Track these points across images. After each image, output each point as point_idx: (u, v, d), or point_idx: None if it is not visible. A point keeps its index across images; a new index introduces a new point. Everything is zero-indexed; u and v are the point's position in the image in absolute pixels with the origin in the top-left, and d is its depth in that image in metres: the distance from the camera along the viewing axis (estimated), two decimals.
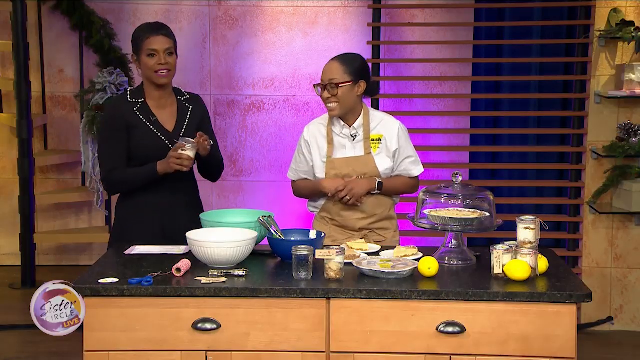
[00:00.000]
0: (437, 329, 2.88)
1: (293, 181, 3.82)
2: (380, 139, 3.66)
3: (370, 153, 3.64)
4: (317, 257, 2.98)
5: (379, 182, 3.63)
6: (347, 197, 3.58)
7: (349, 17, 6.31)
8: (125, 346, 2.91)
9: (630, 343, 5.24)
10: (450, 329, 2.88)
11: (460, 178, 3.32)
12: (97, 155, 5.84)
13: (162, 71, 3.59)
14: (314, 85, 3.65)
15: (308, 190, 3.76)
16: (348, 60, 3.62)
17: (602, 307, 5.43)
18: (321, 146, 3.68)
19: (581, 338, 3.83)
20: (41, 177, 6.58)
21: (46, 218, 6.62)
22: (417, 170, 3.75)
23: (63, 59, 6.51)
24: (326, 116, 3.71)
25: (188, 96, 3.76)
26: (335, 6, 6.32)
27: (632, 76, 5.15)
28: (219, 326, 2.90)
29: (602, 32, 5.23)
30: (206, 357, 2.92)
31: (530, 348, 2.88)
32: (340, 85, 3.55)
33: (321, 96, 3.61)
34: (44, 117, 6.49)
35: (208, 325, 2.90)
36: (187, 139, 3.50)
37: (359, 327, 2.89)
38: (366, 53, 5.85)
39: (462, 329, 2.88)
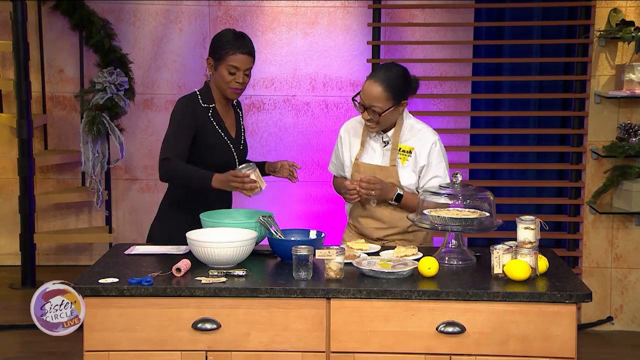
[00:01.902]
0: (437, 329, 2.88)
1: (334, 177, 3.80)
2: (410, 152, 3.52)
3: (395, 165, 3.52)
4: (317, 257, 2.97)
5: (398, 193, 3.50)
6: (373, 193, 3.44)
7: (349, 17, 6.31)
8: (125, 346, 2.92)
9: (630, 343, 5.24)
10: (450, 329, 2.88)
11: (460, 178, 3.32)
12: (96, 155, 5.88)
13: (237, 87, 3.55)
14: (353, 99, 3.49)
15: (338, 188, 3.73)
16: (391, 83, 3.43)
17: (602, 307, 5.43)
18: (353, 145, 3.63)
19: (581, 338, 3.84)
20: (41, 177, 6.58)
21: (46, 218, 6.62)
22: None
23: (63, 59, 6.51)
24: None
25: (235, 101, 3.77)
26: (335, 6, 6.32)
27: (632, 76, 5.15)
28: (219, 326, 2.90)
29: (602, 32, 5.23)
30: (206, 357, 2.92)
31: (530, 348, 2.88)
32: (382, 114, 3.44)
33: (361, 114, 3.50)
34: (44, 117, 6.49)
35: (208, 325, 2.90)
36: (252, 164, 3.46)
37: (359, 327, 2.89)
38: (366, 53, 5.86)
39: (462, 329, 2.88)
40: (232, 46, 3.52)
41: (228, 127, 3.65)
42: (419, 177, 3.55)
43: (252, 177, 3.37)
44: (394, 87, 3.44)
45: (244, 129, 3.77)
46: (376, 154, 3.58)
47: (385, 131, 3.56)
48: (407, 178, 3.53)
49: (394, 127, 3.55)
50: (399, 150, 3.54)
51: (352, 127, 3.67)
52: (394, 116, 3.50)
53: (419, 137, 3.55)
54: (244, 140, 3.74)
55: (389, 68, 3.53)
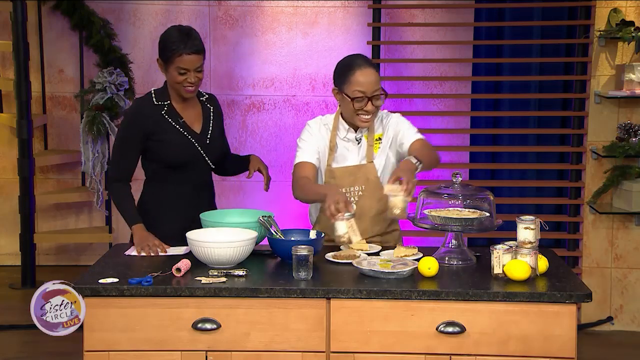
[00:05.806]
0: (437, 329, 2.88)
1: (296, 178, 3.43)
2: (380, 138, 3.48)
3: (373, 161, 3.44)
4: (384, 192, 3.03)
5: (415, 158, 3.20)
6: (410, 186, 3.07)
7: (349, 17, 6.32)
8: (125, 346, 2.92)
9: (630, 343, 5.24)
10: (450, 329, 2.88)
11: (460, 178, 3.31)
12: (96, 155, 5.89)
13: (189, 87, 3.48)
14: (353, 99, 3.33)
15: (312, 195, 3.34)
16: (375, 65, 3.42)
17: (602, 307, 5.43)
18: (323, 150, 3.50)
19: (581, 338, 3.83)
20: (41, 177, 6.58)
21: (46, 218, 6.62)
22: (415, 134, 3.42)
23: (63, 59, 6.52)
24: (330, 118, 3.54)
25: (207, 96, 3.69)
26: (335, 6, 6.32)
27: (632, 76, 5.15)
28: (219, 326, 2.90)
29: (602, 32, 5.23)
30: (206, 357, 2.92)
31: (530, 348, 2.88)
32: (386, 94, 3.34)
33: (363, 109, 3.33)
34: (44, 117, 6.49)
35: (208, 325, 2.90)
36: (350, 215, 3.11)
37: (359, 327, 2.89)
38: (366, 53, 5.82)
39: (462, 329, 2.88)
40: (177, 47, 3.41)
41: (189, 122, 3.56)
42: (395, 148, 3.45)
43: (342, 226, 3.10)
44: (377, 67, 3.44)
45: (214, 123, 3.63)
46: (349, 154, 3.47)
47: (356, 128, 3.47)
48: (380, 164, 3.45)
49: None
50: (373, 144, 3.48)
51: (323, 130, 3.51)
52: None
53: (383, 121, 3.50)
54: (213, 135, 3.60)
55: (358, 54, 3.48)
